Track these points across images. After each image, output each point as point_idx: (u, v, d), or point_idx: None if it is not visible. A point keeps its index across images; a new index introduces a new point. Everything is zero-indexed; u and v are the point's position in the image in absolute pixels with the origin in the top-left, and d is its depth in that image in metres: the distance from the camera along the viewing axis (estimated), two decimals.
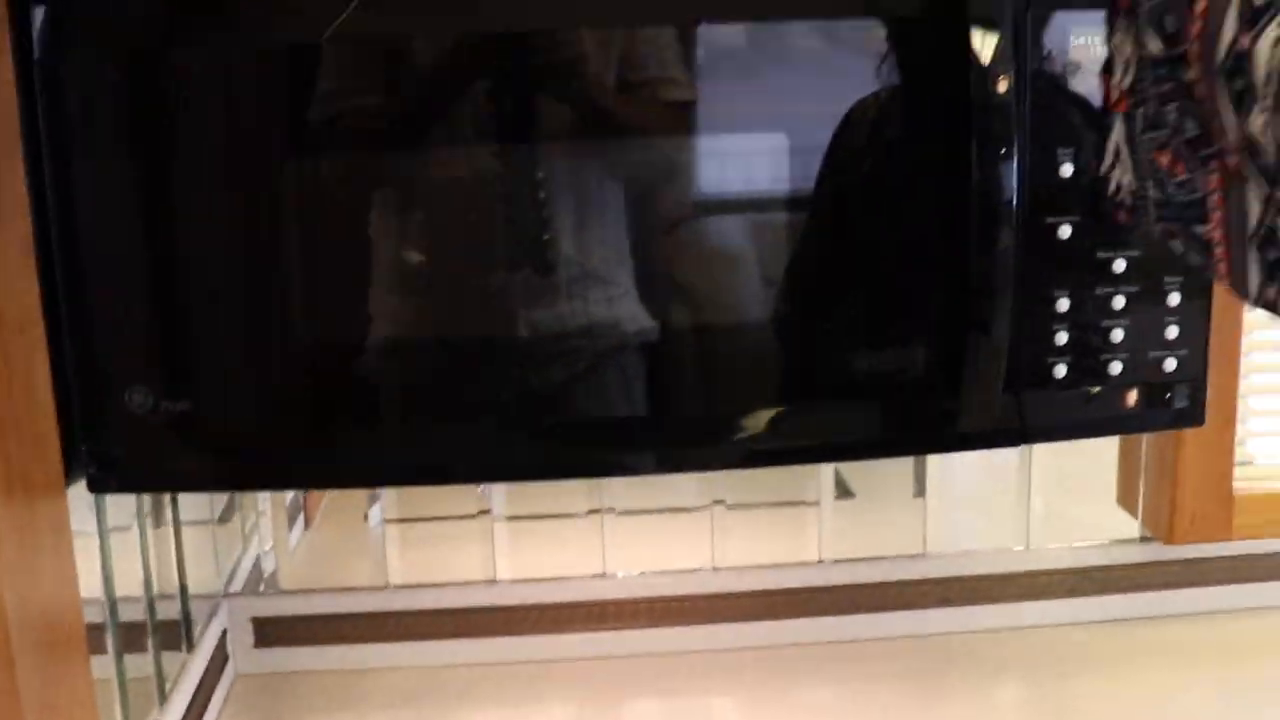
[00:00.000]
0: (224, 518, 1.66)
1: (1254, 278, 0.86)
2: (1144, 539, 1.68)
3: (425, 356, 1.19)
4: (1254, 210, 0.83)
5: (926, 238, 1.16)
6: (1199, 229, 0.90)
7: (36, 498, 1.07)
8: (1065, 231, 1.16)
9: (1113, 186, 0.98)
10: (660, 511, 1.71)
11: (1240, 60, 0.79)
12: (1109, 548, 1.69)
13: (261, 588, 1.68)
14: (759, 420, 1.20)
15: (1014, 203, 1.12)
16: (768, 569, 1.66)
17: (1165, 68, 0.88)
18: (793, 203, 1.17)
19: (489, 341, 1.17)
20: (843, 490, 1.71)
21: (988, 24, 1.10)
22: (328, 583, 1.66)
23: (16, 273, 1.07)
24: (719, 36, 1.13)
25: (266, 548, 1.69)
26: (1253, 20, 0.78)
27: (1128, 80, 0.93)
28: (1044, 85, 1.14)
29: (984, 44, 1.10)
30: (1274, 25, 0.77)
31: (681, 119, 1.15)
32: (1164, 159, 0.92)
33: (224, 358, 1.16)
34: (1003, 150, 1.11)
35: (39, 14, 1.09)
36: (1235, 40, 0.80)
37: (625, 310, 1.17)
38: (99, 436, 1.15)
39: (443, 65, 1.13)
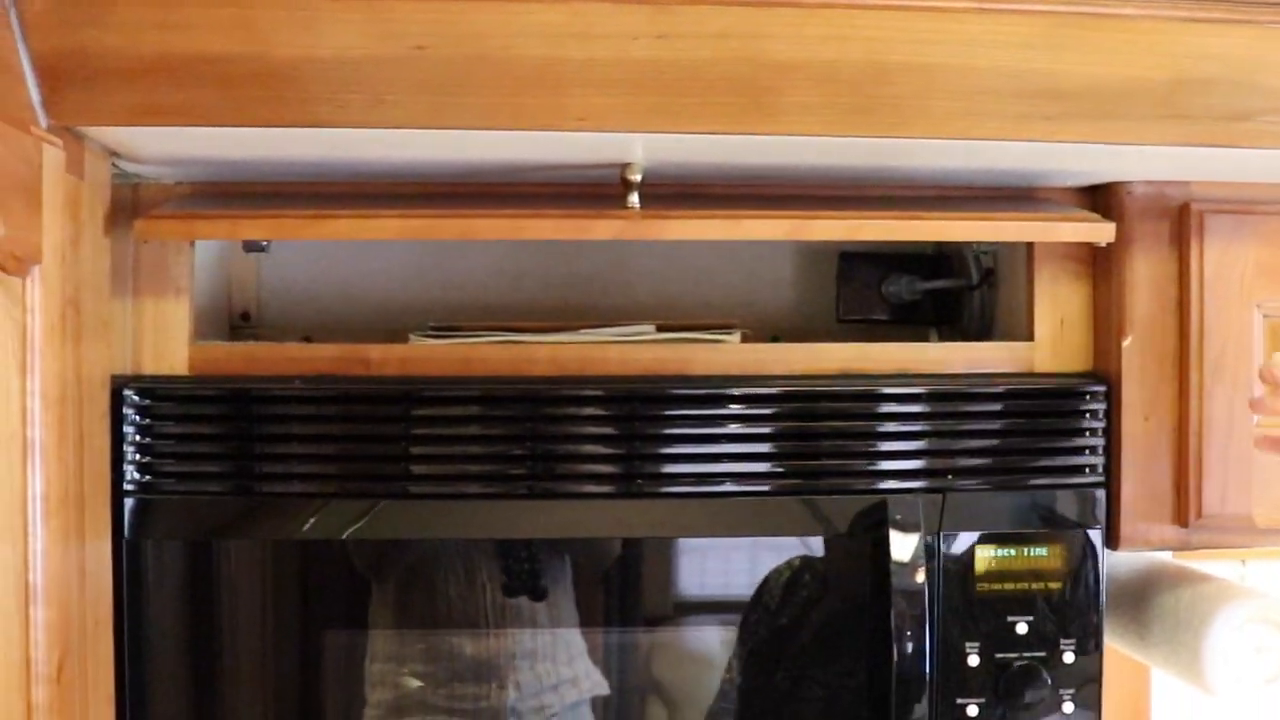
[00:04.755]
0: None
1: None
2: None
3: None
4: None
5: (859, 700, 1.41)
6: None
7: None
8: (973, 710, 1.41)
9: None
10: None
11: None
12: None
13: None
14: None
15: (926, 678, 1.37)
16: None
17: None
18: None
19: None
20: None
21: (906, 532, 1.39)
22: None
23: None
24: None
25: None
26: None
27: None
28: (954, 590, 1.41)
29: (902, 548, 1.39)
30: None
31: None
32: None
33: None
34: (918, 633, 1.37)
35: (129, 504, 1.35)
36: None
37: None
38: None
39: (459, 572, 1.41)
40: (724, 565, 1.47)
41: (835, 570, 1.44)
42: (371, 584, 1.42)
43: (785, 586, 1.45)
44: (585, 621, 1.44)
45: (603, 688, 1.44)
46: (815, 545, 1.44)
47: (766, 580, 1.45)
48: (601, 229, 1.34)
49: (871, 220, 1.36)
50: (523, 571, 1.42)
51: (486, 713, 1.42)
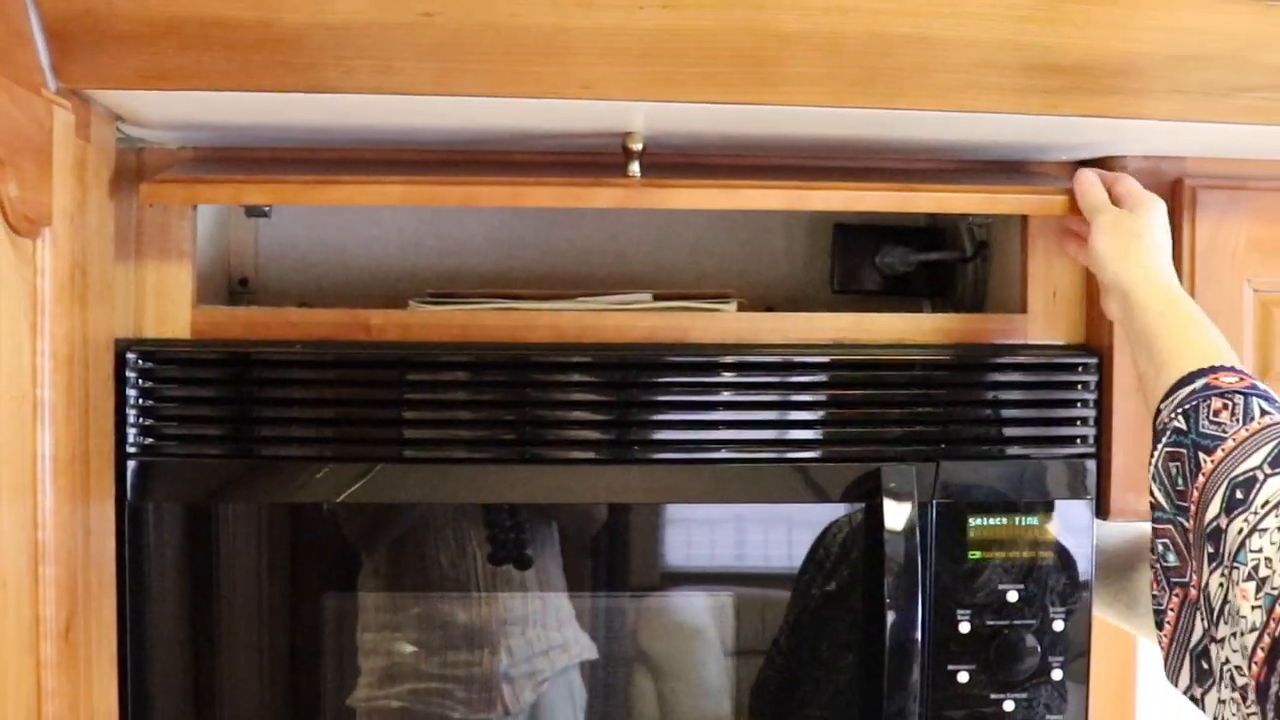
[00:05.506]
0: None
1: (1184, 678, 1.15)
2: None
3: None
4: (1197, 631, 1.11)
5: (852, 667, 1.43)
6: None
7: None
8: (963, 676, 1.43)
9: None
10: None
11: (1216, 533, 1.10)
12: None
13: None
14: None
15: (919, 644, 1.39)
16: None
17: (1166, 512, 1.19)
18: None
19: None
20: None
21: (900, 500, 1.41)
22: None
23: (103, 681, 1.28)
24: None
25: None
26: (1230, 509, 1.10)
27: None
28: (946, 558, 1.44)
29: (896, 516, 1.41)
30: (1240, 519, 1.08)
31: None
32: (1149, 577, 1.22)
33: None
34: (910, 601, 1.39)
35: (131, 466, 1.36)
36: (1217, 516, 1.11)
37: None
38: None
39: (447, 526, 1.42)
40: (712, 534, 1.49)
41: (827, 538, 1.45)
42: (362, 553, 1.43)
43: (777, 555, 1.47)
44: (574, 587, 1.46)
45: (591, 652, 1.46)
46: (807, 513, 1.46)
47: (759, 548, 1.48)
48: (602, 197, 1.36)
49: (869, 191, 1.38)
50: (509, 540, 1.43)
51: (478, 678, 1.44)
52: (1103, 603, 1.56)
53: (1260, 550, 1.06)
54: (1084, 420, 1.47)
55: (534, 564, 1.44)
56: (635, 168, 1.35)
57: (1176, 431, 1.18)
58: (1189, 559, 1.16)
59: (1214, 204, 1.45)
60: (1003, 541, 1.44)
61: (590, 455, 1.42)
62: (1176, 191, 1.45)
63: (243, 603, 1.41)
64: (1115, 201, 1.36)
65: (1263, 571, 1.05)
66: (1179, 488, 1.17)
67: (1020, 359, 1.47)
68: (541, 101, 1.20)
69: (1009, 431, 1.46)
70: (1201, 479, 1.14)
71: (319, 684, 1.43)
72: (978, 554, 1.44)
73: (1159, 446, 1.20)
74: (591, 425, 1.42)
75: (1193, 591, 1.14)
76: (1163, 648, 1.19)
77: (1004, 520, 1.44)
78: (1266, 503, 1.08)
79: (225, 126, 1.36)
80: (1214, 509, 1.11)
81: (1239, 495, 1.10)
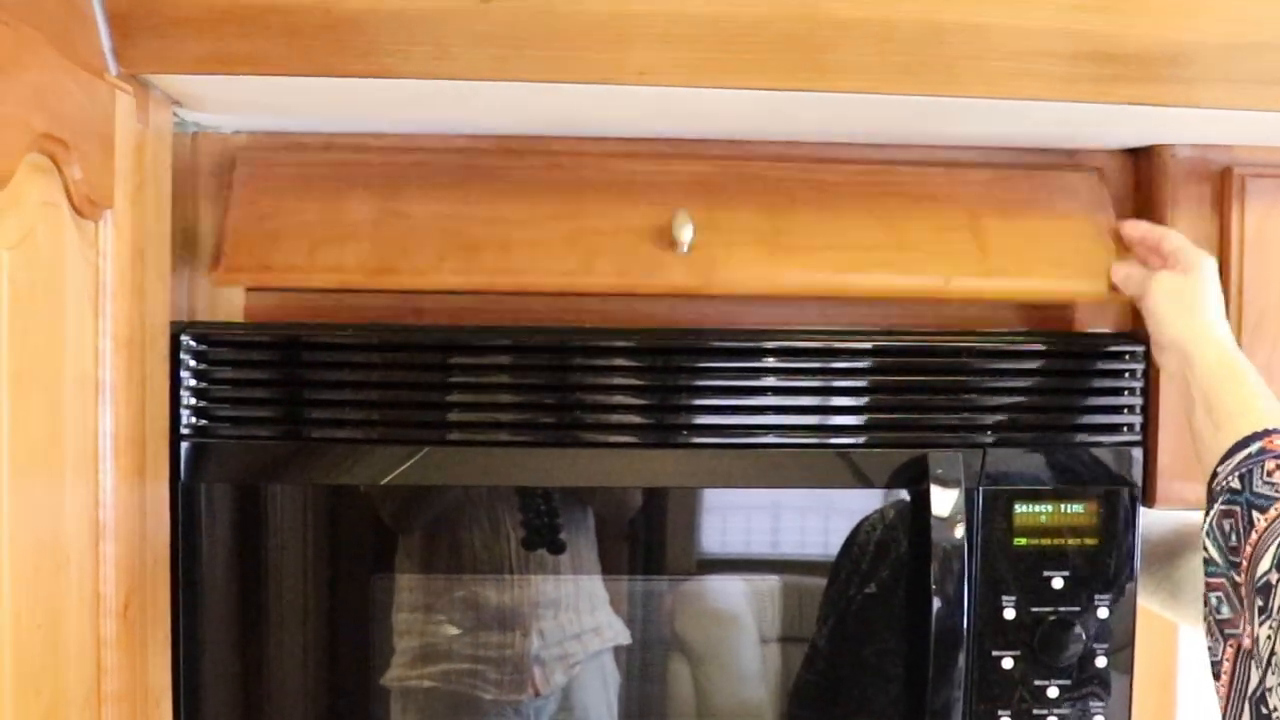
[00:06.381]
0: None
1: None
2: None
3: None
4: (1254, 679, 1.14)
5: (895, 653, 1.44)
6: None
7: None
8: (1008, 663, 1.44)
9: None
10: None
11: (1267, 588, 1.12)
12: None
13: None
14: None
15: (964, 631, 1.40)
16: None
17: (1220, 567, 1.22)
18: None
19: None
20: None
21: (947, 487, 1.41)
22: None
23: (159, 658, 1.30)
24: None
25: None
26: None
27: None
28: (992, 545, 1.44)
29: (943, 503, 1.41)
30: None
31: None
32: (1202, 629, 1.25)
33: None
34: (956, 587, 1.40)
35: (185, 447, 1.38)
36: (1268, 571, 1.13)
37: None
38: None
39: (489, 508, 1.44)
40: (749, 519, 1.49)
41: (867, 525, 1.46)
42: (399, 536, 1.44)
43: (814, 541, 1.48)
44: (608, 571, 1.47)
45: (625, 637, 1.47)
46: (848, 499, 1.46)
47: (797, 534, 1.49)
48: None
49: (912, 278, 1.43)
50: (543, 525, 1.45)
51: (510, 660, 1.45)
52: (1145, 591, 1.56)
53: None
54: (1130, 409, 1.47)
55: (567, 548, 1.45)
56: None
57: (1231, 491, 1.22)
58: (1241, 610, 1.19)
59: (1264, 193, 1.45)
60: (1048, 528, 1.45)
61: (633, 439, 1.43)
62: (1226, 180, 1.45)
63: (290, 583, 1.43)
64: (1164, 258, 1.40)
65: None
66: (1232, 544, 1.21)
67: (1068, 347, 1.47)
68: (598, 89, 1.21)
69: (1055, 419, 1.47)
70: (1255, 535, 1.18)
71: (362, 663, 1.44)
72: (1023, 540, 1.44)
73: (1214, 506, 1.24)
74: (635, 410, 1.43)
75: (1245, 641, 1.18)
76: (1220, 696, 1.23)
77: (1050, 507, 1.45)
78: None
79: (281, 112, 1.37)
80: (1265, 564, 1.15)
81: None
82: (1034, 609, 1.44)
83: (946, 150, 1.50)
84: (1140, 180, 1.50)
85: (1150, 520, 1.53)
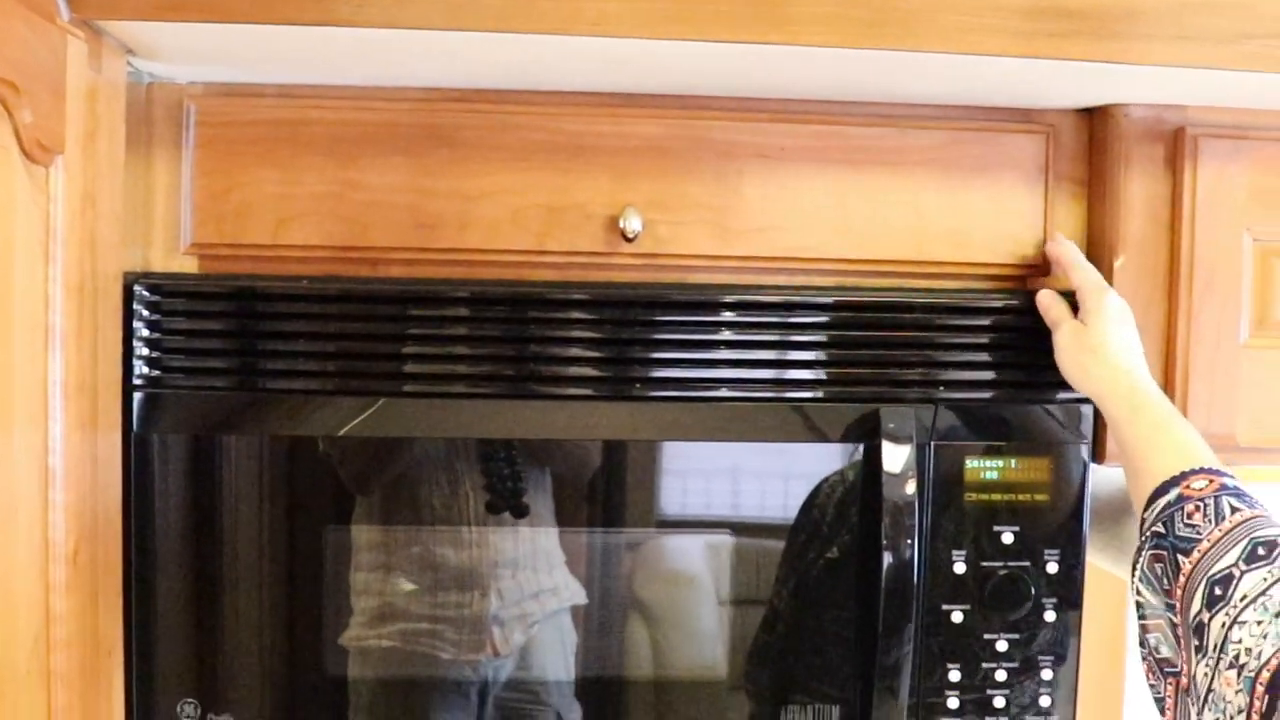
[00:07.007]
0: None
1: None
2: None
3: None
4: (1192, 715, 1.18)
5: (852, 614, 1.46)
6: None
7: None
8: (957, 616, 1.45)
9: None
10: None
11: (1200, 628, 1.16)
12: None
13: None
14: None
15: (914, 585, 1.42)
16: None
17: (1156, 609, 1.26)
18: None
19: None
20: None
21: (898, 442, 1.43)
22: None
23: (110, 608, 1.30)
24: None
25: None
26: (1210, 604, 1.16)
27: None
28: (943, 500, 1.45)
29: (894, 458, 1.43)
30: (1222, 613, 1.15)
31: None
32: (1143, 668, 1.29)
33: (257, 678, 1.43)
34: (907, 541, 1.41)
35: (138, 397, 1.37)
36: (1199, 611, 1.17)
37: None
38: None
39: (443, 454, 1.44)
40: (707, 478, 1.50)
41: (825, 484, 1.47)
42: (357, 495, 1.45)
43: (773, 500, 1.49)
44: (565, 529, 1.48)
45: (581, 597, 1.48)
46: (805, 455, 1.47)
47: (755, 494, 1.49)
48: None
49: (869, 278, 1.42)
50: (505, 489, 1.45)
51: (468, 620, 1.46)
52: (1095, 548, 1.58)
53: (1240, 641, 1.13)
54: None
55: (529, 511, 1.45)
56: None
57: (1157, 535, 1.27)
58: (1179, 649, 1.23)
59: (1216, 153, 1.46)
60: (999, 484, 1.46)
61: (590, 392, 1.44)
62: (1179, 140, 1.46)
63: (244, 534, 1.42)
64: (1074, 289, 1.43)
65: (1243, 659, 1.12)
66: (1165, 586, 1.25)
67: (1020, 304, 1.48)
68: (549, 40, 1.20)
69: (1007, 375, 1.48)
70: (1182, 579, 1.22)
71: (317, 617, 1.45)
72: (974, 496, 1.46)
73: (1144, 550, 1.28)
74: (592, 362, 1.44)
75: (1184, 680, 1.21)
76: None
77: (1000, 463, 1.46)
78: (1244, 597, 1.16)
79: (236, 63, 1.36)
80: (1196, 605, 1.19)
81: (1218, 591, 1.18)
82: (984, 563, 1.46)
83: (901, 109, 1.50)
84: (1094, 140, 1.51)
85: (1099, 478, 1.54)
